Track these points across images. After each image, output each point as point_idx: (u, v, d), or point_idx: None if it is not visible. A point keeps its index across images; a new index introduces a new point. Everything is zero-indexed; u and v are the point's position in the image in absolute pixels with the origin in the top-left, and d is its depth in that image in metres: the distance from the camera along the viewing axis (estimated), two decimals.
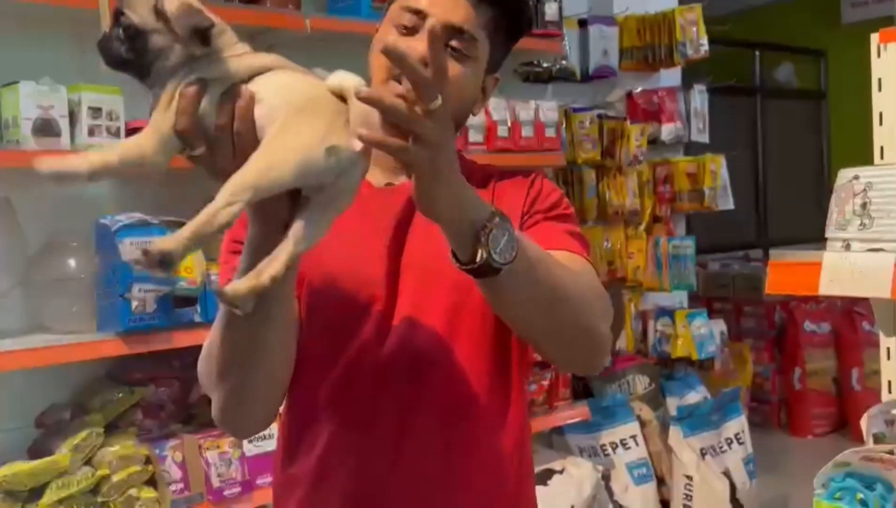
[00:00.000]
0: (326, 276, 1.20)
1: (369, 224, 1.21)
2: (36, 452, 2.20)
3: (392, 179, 1.27)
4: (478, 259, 0.98)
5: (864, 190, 1.26)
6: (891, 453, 1.31)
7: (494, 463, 1.24)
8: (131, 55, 0.96)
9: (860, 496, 1.29)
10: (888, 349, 1.62)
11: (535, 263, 1.04)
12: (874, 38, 1.61)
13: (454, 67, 1.18)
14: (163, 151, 0.97)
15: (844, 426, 5.30)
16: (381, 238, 1.22)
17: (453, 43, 1.19)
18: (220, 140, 0.97)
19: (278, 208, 1.00)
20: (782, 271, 1.30)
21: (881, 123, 1.62)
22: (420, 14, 1.19)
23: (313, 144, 0.94)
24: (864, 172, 1.28)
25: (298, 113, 0.96)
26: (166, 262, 0.90)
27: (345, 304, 1.19)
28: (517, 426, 1.26)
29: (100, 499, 2.17)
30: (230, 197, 0.93)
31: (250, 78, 1.00)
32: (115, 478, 2.18)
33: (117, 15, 0.96)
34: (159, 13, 0.95)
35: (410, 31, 1.19)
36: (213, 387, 1.17)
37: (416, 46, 1.14)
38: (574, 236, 1.24)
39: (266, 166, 0.93)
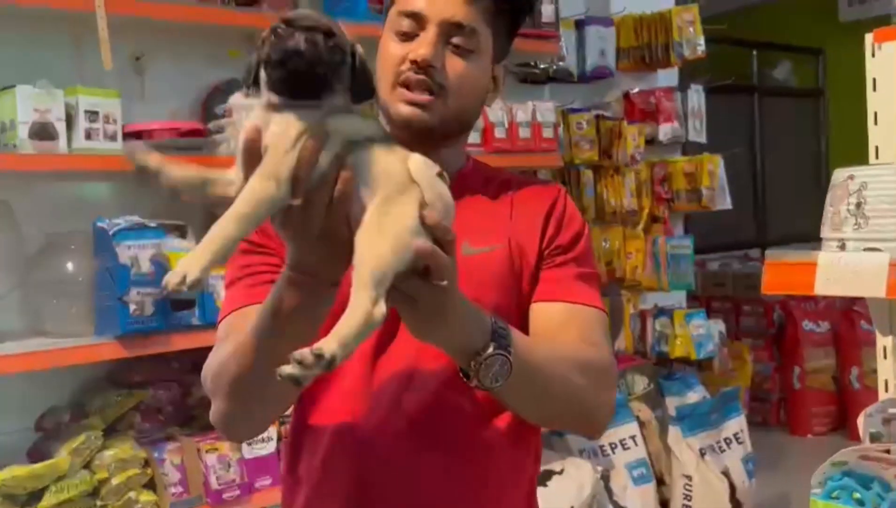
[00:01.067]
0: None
1: None
2: (35, 455, 2.21)
3: None
4: (471, 383, 1.05)
5: (859, 190, 1.27)
6: (887, 452, 1.32)
7: (504, 472, 1.25)
8: (328, 76, 0.97)
9: (857, 495, 1.30)
10: (884, 347, 1.63)
11: (532, 373, 1.09)
12: (869, 37, 1.62)
13: (458, 64, 1.20)
14: (284, 195, 0.95)
15: (844, 424, 5.30)
16: None
17: (454, 40, 1.20)
18: (318, 196, 0.95)
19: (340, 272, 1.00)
20: (778, 271, 1.31)
21: (876, 123, 1.63)
22: (417, 17, 1.19)
23: (416, 229, 0.95)
24: (858, 171, 1.29)
25: (401, 194, 0.97)
26: (330, 365, 0.89)
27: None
28: (526, 433, 1.27)
29: (98, 502, 2.18)
30: (375, 293, 0.92)
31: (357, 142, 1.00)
32: (113, 481, 2.19)
33: (320, 32, 0.95)
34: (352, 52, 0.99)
35: (410, 36, 1.20)
36: (224, 398, 1.16)
37: (418, 50, 1.18)
38: (591, 281, 1.27)
39: (391, 251, 0.93)
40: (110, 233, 2.18)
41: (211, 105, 2.65)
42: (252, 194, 0.93)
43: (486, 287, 1.19)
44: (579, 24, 3.73)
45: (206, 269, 0.90)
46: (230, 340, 1.15)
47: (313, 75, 0.96)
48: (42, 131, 2.13)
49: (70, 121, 2.20)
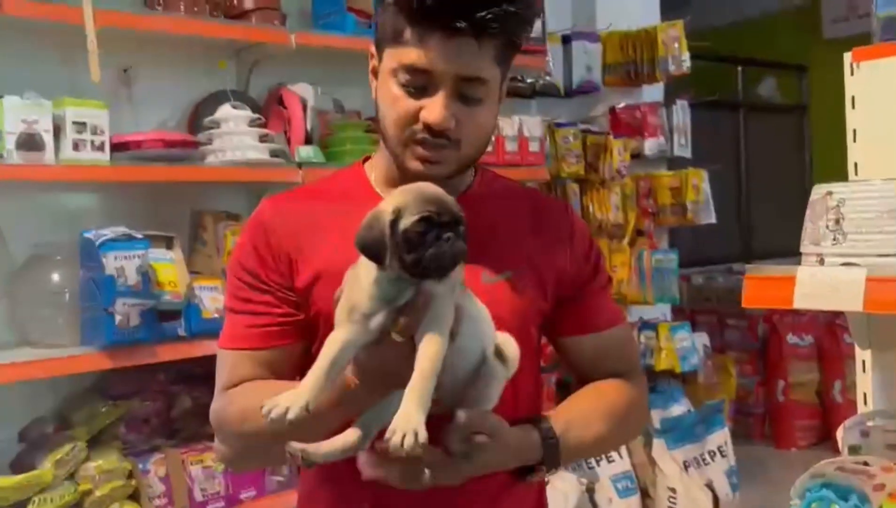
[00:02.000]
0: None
1: None
2: (18, 466, 2.20)
3: None
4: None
5: (838, 206, 1.28)
6: (865, 464, 1.33)
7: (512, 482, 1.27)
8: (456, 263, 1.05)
9: (835, 506, 1.31)
10: (863, 361, 1.65)
11: (578, 454, 1.28)
12: (847, 56, 1.64)
13: (471, 115, 1.17)
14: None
15: (828, 437, 5.31)
16: None
17: (466, 92, 1.16)
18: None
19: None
20: (758, 285, 1.32)
21: (855, 140, 1.65)
22: (426, 73, 1.15)
23: None
24: (837, 188, 1.30)
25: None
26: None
27: None
28: None
29: None
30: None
31: None
32: (97, 493, 2.18)
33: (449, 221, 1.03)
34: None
35: (420, 91, 1.16)
36: (238, 452, 1.25)
37: (433, 114, 1.14)
38: (609, 293, 1.37)
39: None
40: (97, 244, 2.18)
41: (199, 116, 2.66)
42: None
43: (506, 320, 1.20)
44: (566, 40, 3.76)
45: (306, 408, 1.01)
46: (240, 396, 1.21)
47: (446, 269, 1.03)
48: (30, 142, 2.13)
49: (58, 132, 2.20)
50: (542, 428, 1.20)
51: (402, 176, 1.20)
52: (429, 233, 1.01)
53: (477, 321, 1.11)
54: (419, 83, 1.16)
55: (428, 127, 1.16)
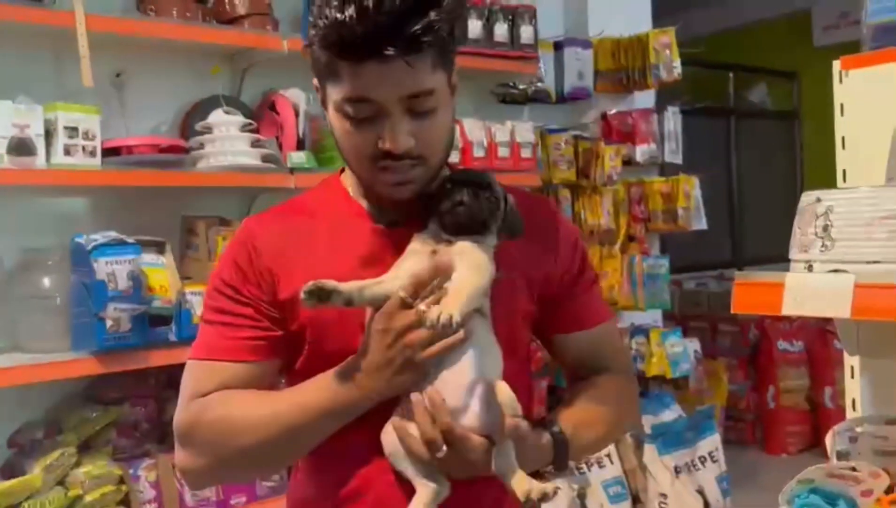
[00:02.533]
0: (337, 315, 1.19)
1: (379, 263, 1.20)
2: (8, 472, 2.19)
3: (395, 218, 1.25)
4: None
5: (826, 213, 1.29)
6: (853, 469, 1.34)
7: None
8: (485, 215, 1.18)
9: None
10: (852, 367, 1.65)
11: (584, 450, 1.29)
12: (836, 64, 1.65)
13: (428, 127, 1.16)
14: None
15: (819, 443, 5.33)
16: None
17: (417, 107, 1.14)
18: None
19: None
20: (747, 291, 1.32)
21: (844, 148, 1.66)
22: (371, 102, 1.13)
23: None
24: (825, 195, 1.31)
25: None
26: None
27: (356, 339, 1.19)
28: None
29: None
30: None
31: None
32: (88, 498, 2.18)
33: (470, 183, 1.19)
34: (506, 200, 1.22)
35: (367, 120, 1.14)
36: (213, 462, 1.22)
37: (390, 142, 1.13)
38: (598, 289, 1.39)
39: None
40: (88, 248, 2.18)
41: (191, 121, 2.66)
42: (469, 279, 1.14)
43: (498, 321, 1.21)
44: (558, 46, 3.76)
45: (464, 313, 1.09)
46: (227, 405, 1.20)
47: (461, 224, 1.17)
48: (21, 146, 2.13)
49: (49, 136, 2.20)
50: (553, 431, 1.23)
51: (377, 197, 1.23)
52: (453, 193, 1.17)
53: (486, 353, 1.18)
54: (367, 113, 1.14)
55: (389, 153, 1.15)
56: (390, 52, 1.08)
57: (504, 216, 1.20)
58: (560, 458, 1.23)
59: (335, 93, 1.16)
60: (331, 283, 1.10)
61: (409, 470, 1.16)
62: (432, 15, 1.10)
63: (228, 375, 1.21)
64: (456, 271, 1.13)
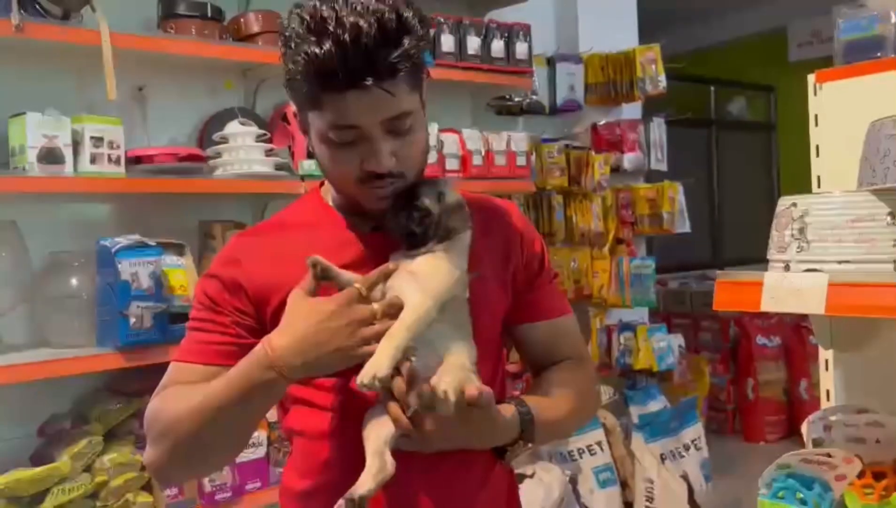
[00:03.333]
0: None
1: (363, 267, 1.19)
2: (37, 460, 2.19)
3: (378, 224, 1.24)
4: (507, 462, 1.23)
5: (802, 216, 1.29)
6: (828, 455, 1.34)
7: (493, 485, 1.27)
8: (419, 229, 1.17)
9: (800, 495, 1.32)
10: (826, 360, 1.66)
11: (550, 431, 1.27)
12: (811, 78, 1.66)
13: (406, 145, 1.16)
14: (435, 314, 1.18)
15: (795, 432, 5.31)
16: None
17: (397, 128, 1.14)
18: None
19: None
20: (728, 290, 1.33)
21: (818, 155, 1.66)
22: (354, 127, 1.12)
23: None
24: (801, 199, 1.31)
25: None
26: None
27: None
28: None
29: (98, 504, 2.16)
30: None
31: None
32: (112, 484, 2.17)
33: (409, 198, 1.17)
34: (441, 202, 1.18)
35: (350, 144, 1.14)
36: (167, 452, 1.17)
37: (375, 164, 1.13)
38: (557, 286, 1.37)
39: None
40: (112, 251, 2.17)
41: (208, 132, 2.66)
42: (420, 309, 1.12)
43: (482, 319, 1.21)
44: (550, 62, 3.77)
45: (391, 367, 1.07)
46: (177, 396, 1.17)
47: (399, 237, 1.19)
48: (50, 155, 2.13)
49: (76, 146, 2.20)
50: (518, 406, 1.21)
51: (359, 209, 1.22)
52: (397, 210, 1.18)
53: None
54: (350, 138, 1.13)
55: (373, 173, 1.15)
56: (369, 81, 1.08)
57: (439, 221, 1.17)
58: (528, 431, 1.21)
59: (318, 121, 1.15)
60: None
61: (369, 442, 1.13)
62: (406, 43, 1.09)
63: (198, 376, 1.19)
64: (404, 299, 1.11)
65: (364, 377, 1.05)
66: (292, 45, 1.12)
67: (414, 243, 1.17)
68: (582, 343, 1.39)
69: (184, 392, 1.17)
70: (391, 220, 1.18)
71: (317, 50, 1.08)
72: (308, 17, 1.10)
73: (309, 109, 1.16)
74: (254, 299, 1.21)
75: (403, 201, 1.17)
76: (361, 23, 1.07)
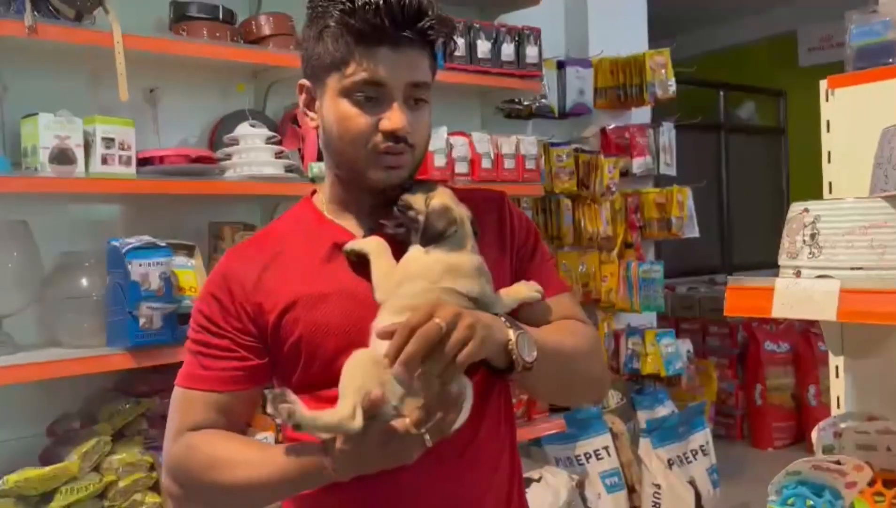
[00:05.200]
0: (324, 328, 1.18)
1: (361, 273, 1.19)
2: (47, 459, 2.19)
3: (373, 226, 1.24)
4: (514, 373, 1.13)
5: (814, 222, 1.29)
6: (838, 463, 1.33)
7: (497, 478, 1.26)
8: (403, 228, 1.19)
9: (810, 502, 1.31)
10: (836, 367, 1.65)
11: (553, 352, 1.18)
12: (823, 83, 1.65)
13: (419, 117, 1.19)
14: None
15: (802, 438, 5.31)
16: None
17: (414, 95, 1.18)
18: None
19: None
20: (739, 295, 1.32)
21: (830, 161, 1.65)
22: (380, 86, 1.15)
23: None
24: (813, 205, 1.31)
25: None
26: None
27: (344, 344, 1.17)
28: (511, 433, 1.31)
29: (106, 504, 2.16)
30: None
31: None
32: (121, 484, 2.18)
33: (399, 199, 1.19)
34: (427, 205, 1.18)
35: (372, 101, 1.16)
36: (202, 498, 1.22)
37: (395, 123, 1.15)
38: (553, 265, 1.35)
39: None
40: (123, 251, 2.18)
41: (219, 134, 2.67)
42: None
43: None
44: (560, 65, 3.77)
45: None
46: (206, 444, 1.19)
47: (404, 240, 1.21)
48: (62, 156, 2.14)
49: (88, 147, 2.20)
50: (505, 318, 1.16)
51: (356, 194, 1.23)
52: (389, 204, 1.21)
53: None
54: (373, 95, 1.15)
55: (390, 135, 1.16)
56: (409, 34, 1.13)
57: (425, 227, 1.18)
58: (524, 342, 1.12)
59: (343, 81, 1.16)
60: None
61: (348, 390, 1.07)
62: (438, 14, 1.15)
63: (211, 404, 1.20)
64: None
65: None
66: (320, 5, 1.16)
67: (400, 236, 1.19)
68: (583, 316, 1.35)
69: (218, 449, 1.18)
70: (386, 211, 1.20)
71: (360, 1, 1.12)
72: None
73: (332, 70, 1.17)
74: (254, 317, 1.20)
75: (396, 195, 1.20)
76: None
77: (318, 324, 1.18)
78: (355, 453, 1.06)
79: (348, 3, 1.13)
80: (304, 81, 1.25)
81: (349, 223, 1.26)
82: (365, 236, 1.23)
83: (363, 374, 1.06)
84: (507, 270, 1.29)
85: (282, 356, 1.21)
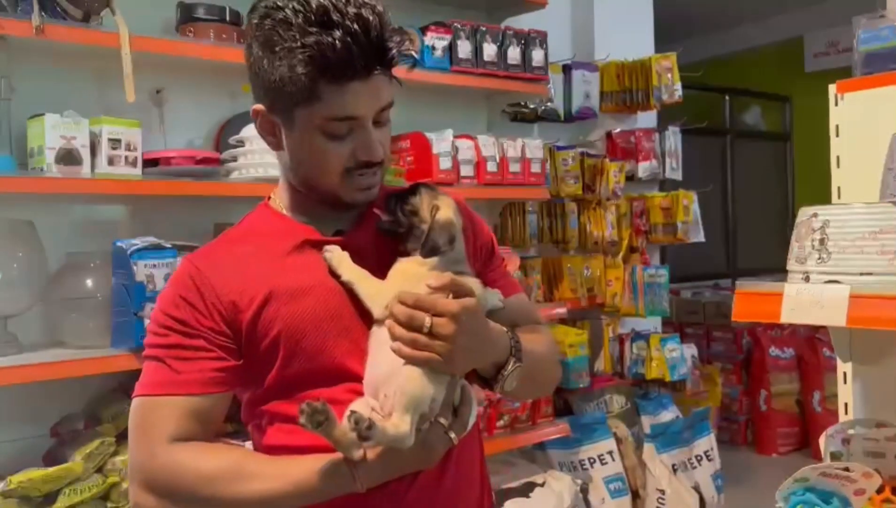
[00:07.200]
0: (305, 322, 1.17)
1: (325, 274, 1.20)
2: (50, 459, 2.19)
3: (341, 227, 1.25)
4: (493, 388, 1.18)
5: (822, 227, 1.28)
6: (846, 469, 1.32)
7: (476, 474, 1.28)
8: (403, 230, 1.20)
9: None
10: (844, 373, 1.64)
11: (533, 367, 1.22)
12: (832, 88, 1.64)
13: (384, 135, 1.20)
14: None
15: (807, 444, 5.30)
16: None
17: (380, 118, 1.18)
18: None
19: None
20: (747, 300, 1.32)
21: (838, 166, 1.65)
22: (352, 118, 1.14)
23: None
24: (822, 210, 1.30)
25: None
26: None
27: (325, 342, 1.17)
28: (480, 444, 1.33)
29: (110, 505, 2.16)
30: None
31: None
32: (124, 485, 2.17)
33: (400, 202, 1.21)
34: (432, 215, 1.19)
35: (343, 135, 1.16)
36: None
37: (369, 152, 1.16)
38: (506, 268, 1.40)
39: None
40: (128, 252, 2.18)
41: (224, 135, 2.67)
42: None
43: None
44: (566, 69, 3.76)
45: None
46: (198, 456, 1.13)
47: (395, 232, 1.23)
48: (68, 157, 2.14)
49: (94, 148, 2.20)
50: (508, 332, 1.21)
51: (319, 203, 1.23)
52: (395, 202, 1.23)
53: None
54: (345, 129, 1.15)
55: (365, 162, 1.17)
56: (378, 71, 1.12)
57: (426, 240, 1.20)
58: (517, 349, 1.19)
59: (311, 116, 1.14)
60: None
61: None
62: (396, 36, 1.14)
63: (187, 409, 1.14)
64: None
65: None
66: (283, 41, 1.11)
67: (397, 235, 1.20)
68: (539, 317, 1.41)
69: (220, 461, 1.13)
70: (387, 206, 1.21)
71: (328, 40, 1.08)
72: (303, 9, 1.09)
73: (300, 103, 1.14)
74: (227, 317, 1.17)
75: (402, 196, 1.22)
76: (364, 13, 1.10)
77: (298, 318, 1.17)
78: (392, 462, 1.08)
79: (314, 43, 1.08)
80: (260, 108, 1.21)
81: (314, 225, 1.25)
82: (334, 236, 1.24)
83: (423, 388, 1.09)
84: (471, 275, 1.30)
85: (258, 355, 1.17)
